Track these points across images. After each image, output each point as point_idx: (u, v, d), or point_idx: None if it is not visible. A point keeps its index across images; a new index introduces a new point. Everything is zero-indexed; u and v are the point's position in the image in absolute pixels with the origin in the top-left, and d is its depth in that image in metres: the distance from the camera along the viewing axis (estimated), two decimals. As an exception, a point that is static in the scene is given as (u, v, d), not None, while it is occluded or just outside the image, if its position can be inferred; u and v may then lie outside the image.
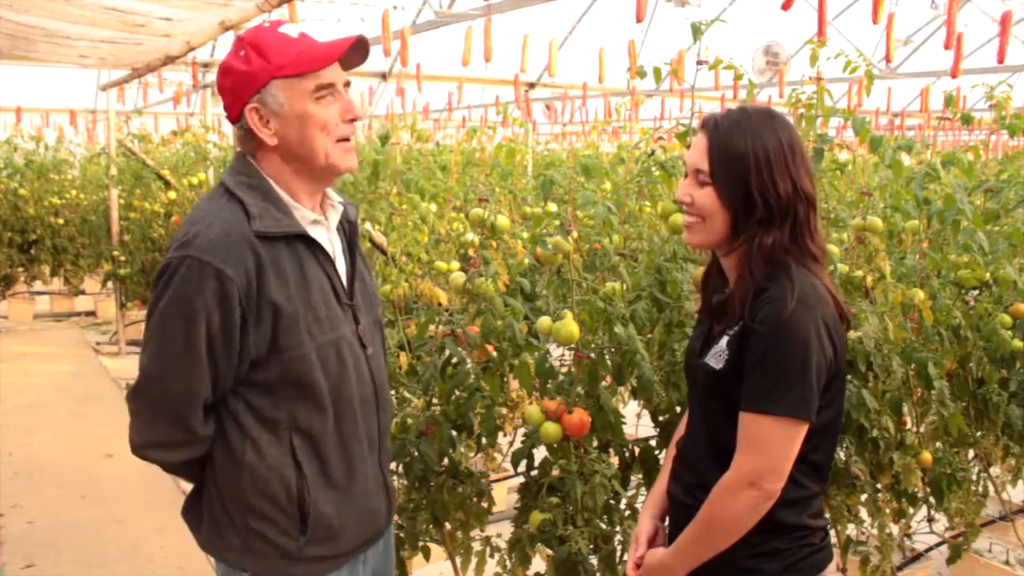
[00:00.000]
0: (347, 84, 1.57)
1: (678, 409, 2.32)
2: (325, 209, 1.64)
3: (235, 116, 1.54)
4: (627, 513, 2.30)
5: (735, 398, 1.51)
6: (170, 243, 1.51)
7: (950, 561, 3.17)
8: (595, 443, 2.29)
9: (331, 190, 1.68)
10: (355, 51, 1.55)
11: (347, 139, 1.56)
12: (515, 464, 2.30)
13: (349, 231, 1.69)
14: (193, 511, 1.64)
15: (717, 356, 1.56)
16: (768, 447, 1.47)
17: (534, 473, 2.31)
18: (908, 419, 2.69)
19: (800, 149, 1.56)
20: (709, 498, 1.52)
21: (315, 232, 1.57)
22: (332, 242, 1.62)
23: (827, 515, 2.25)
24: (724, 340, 1.56)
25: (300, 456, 1.54)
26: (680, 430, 1.78)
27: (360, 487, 1.63)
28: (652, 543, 1.71)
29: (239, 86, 1.51)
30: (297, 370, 1.51)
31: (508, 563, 2.33)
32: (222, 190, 1.55)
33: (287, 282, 1.50)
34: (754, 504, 1.48)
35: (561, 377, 2.29)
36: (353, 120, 1.56)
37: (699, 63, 2.38)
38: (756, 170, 1.52)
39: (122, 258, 7.20)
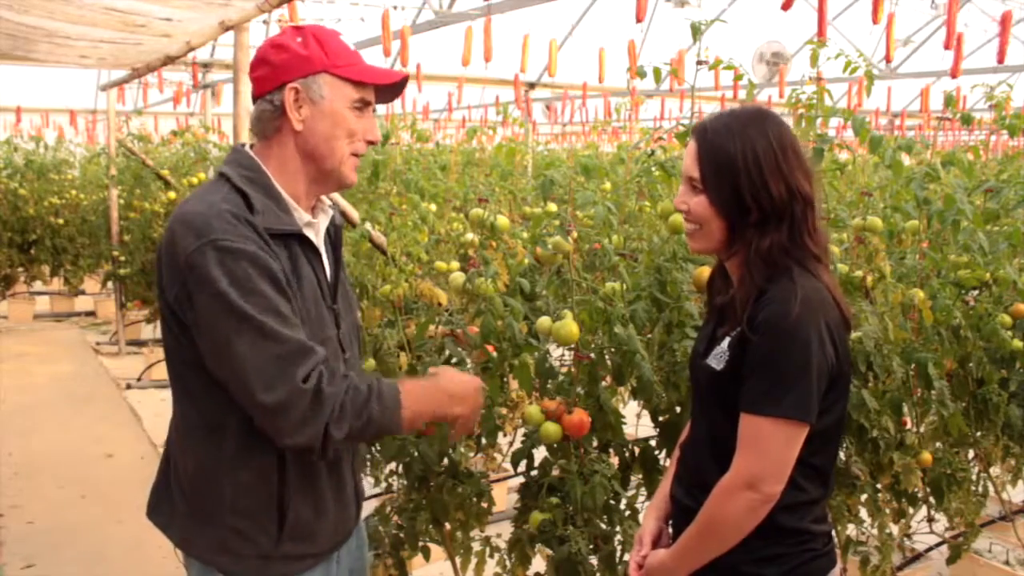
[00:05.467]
0: (375, 111, 1.62)
1: (678, 409, 2.32)
2: (316, 213, 1.65)
3: (266, 90, 1.54)
4: (627, 513, 2.30)
5: (735, 400, 1.51)
6: (177, 239, 1.44)
7: (950, 561, 3.17)
8: (595, 443, 2.29)
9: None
10: (398, 85, 1.62)
11: (358, 156, 1.60)
12: (515, 464, 2.30)
13: (334, 235, 1.71)
14: (162, 511, 1.63)
15: (718, 357, 1.56)
16: (767, 449, 1.46)
17: (534, 473, 2.31)
18: (908, 419, 2.69)
19: (793, 147, 1.54)
20: (708, 500, 1.52)
21: (307, 234, 1.59)
22: (320, 245, 1.64)
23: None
24: (726, 341, 1.56)
25: (283, 456, 1.54)
26: (685, 433, 1.78)
27: (336, 489, 1.65)
28: (656, 544, 1.71)
29: (288, 64, 1.52)
30: None
31: (508, 563, 2.33)
32: (223, 181, 1.52)
33: (285, 276, 1.51)
34: (753, 507, 1.48)
35: (561, 377, 2.29)
36: (371, 143, 1.62)
37: (699, 63, 2.38)
38: (746, 173, 1.50)
39: (122, 258, 7.20)
